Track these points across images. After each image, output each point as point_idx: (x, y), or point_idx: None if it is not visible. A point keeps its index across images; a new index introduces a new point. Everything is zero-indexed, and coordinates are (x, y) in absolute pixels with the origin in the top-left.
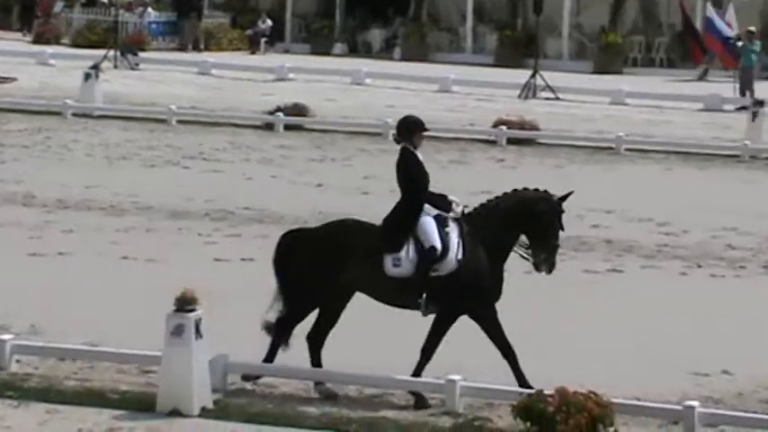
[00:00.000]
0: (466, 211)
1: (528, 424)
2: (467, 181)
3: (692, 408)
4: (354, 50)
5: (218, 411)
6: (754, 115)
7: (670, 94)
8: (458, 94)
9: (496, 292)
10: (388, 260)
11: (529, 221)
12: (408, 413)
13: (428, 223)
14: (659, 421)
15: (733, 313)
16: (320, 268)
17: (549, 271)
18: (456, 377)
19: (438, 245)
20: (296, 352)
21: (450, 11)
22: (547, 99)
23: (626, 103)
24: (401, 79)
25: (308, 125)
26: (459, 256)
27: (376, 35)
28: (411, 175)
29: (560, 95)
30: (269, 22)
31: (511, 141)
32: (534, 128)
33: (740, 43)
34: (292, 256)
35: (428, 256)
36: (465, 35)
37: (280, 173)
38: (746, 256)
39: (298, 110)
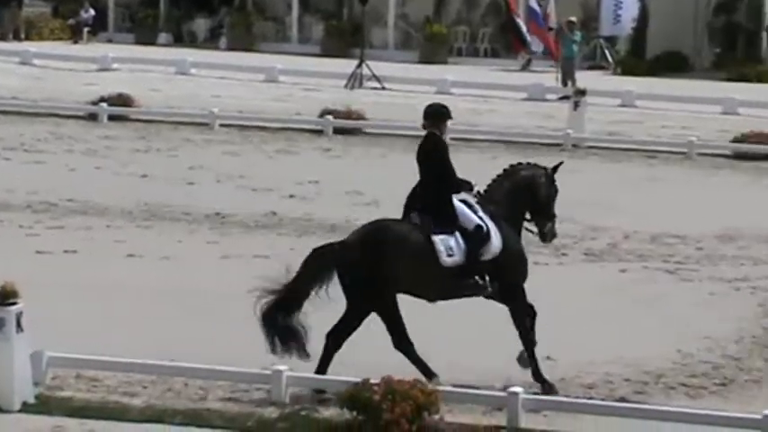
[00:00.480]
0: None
1: (354, 413)
2: (294, 171)
3: (516, 394)
4: (179, 40)
5: (40, 406)
6: (576, 105)
7: (494, 84)
8: (284, 83)
9: None
10: (442, 252)
11: (533, 195)
12: (234, 404)
13: (460, 207)
14: (483, 408)
15: (556, 300)
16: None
17: (552, 240)
18: (282, 367)
19: (482, 224)
20: (121, 345)
21: (275, 0)
22: (373, 89)
23: (451, 92)
24: (227, 69)
25: (133, 115)
26: (499, 238)
27: (201, 24)
28: (447, 162)
29: (386, 85)
30: (92, 12)
31: (337, 131)
32: (361, 117)
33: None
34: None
35: (477, 237)
36: (291, 25)
37: (104, 164)
38: (569, 244)
39: (122, 100)
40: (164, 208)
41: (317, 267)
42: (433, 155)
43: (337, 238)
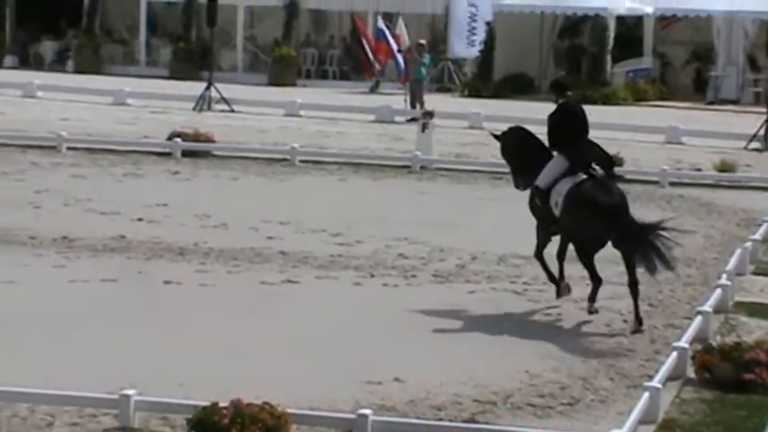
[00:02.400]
0: None
1: None
2: (142, 194)
3: (366, 416)
4: (26, 63)
5: None
6: (424, 126)
7: (343, 106)
8: (132, 106)
9: None
10: None
11: None
12: (81, 429)
13: None
14: (334, 430)
15: (405, 321)
16: None
17: None
18: (130, 392)
19: None
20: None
21: (123, 23)
22: (222, 111)
23: (300, 114)
24: (74, 92)
25: None
26: None
27: (48, 47)
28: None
29: (235, 107)
30: None
31: (186, 154)
32: (209, 140)
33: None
34: None
35: None
36: (139, 47)
37: None
38: (417, 265)
39: None
40: (9, 232)
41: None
42: (573, 120)
43: (186, 262)
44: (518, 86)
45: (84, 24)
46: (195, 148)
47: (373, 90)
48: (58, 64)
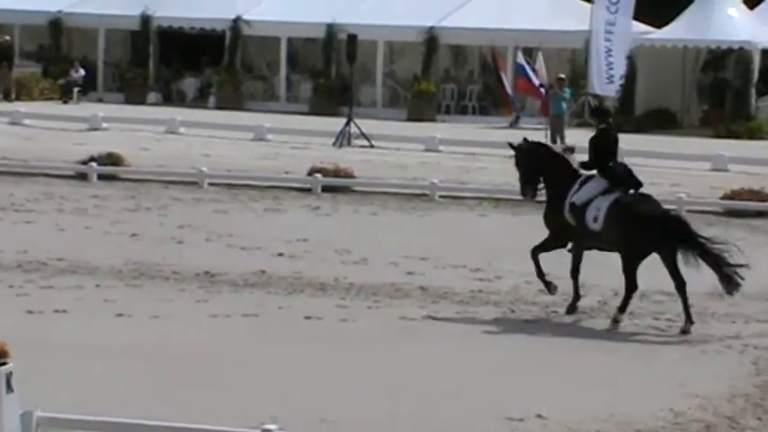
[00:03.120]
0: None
1: None
2: (282, 229)
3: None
4: (169, 99)
5: None
6: None
7: (482, 141)
8: (273, 142)
9: None
10: None
11: None
12: None
13: None
14: None
15: (545, 357)
16: None
17: None
18: (272, 426)
19: None
20: (111, 405)
21: (263, 59)
22: (362, 147)
23: (439, 150)
24: (216, 128)
25: (123, 175)
26: None
27: (190, 84)
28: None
29: (375, 143)
30: (82, 72)
31: (326, 189)
32: (349, 175)
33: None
34: None
35: None
36: (279, 84)
37: (93, 223)
38: (558, 301)
39: (112, 159)
40: (153, 267)
41: None
42: (610, 144)
43: (327, 297)
44: (660, 121)
45: (226, 61)
46: (335, 184)
47: (513, 125)
48: (199, 100)
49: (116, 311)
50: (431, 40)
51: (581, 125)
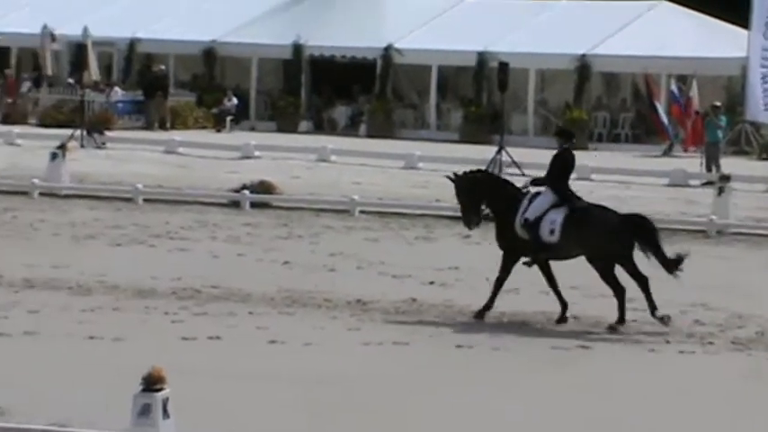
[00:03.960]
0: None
1: None
2: (433, 257)
3: None
4: (320, 128)
5: None
6: (721, 190)
7: (636, 170)
8: (423, 170)
9: None
10: None
11: None
12: None
13: None
14: None
15: (704, 389)
16: None
17: None
18: None
19: None
20: (265, 431)
21: (414, 88)
22: (513, 175)
23: (591, 178)
24: (367, 156)
25: (275, 203)
26: None
27: (341, 112)
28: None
29: (526, 171)
30: (234, 101)
31: None
32: None
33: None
34: None
35: None
36: (429, 112)
37: (246, 250)
38: (714, 332)
39: (264, 187)
40: (305, 294)
41: None
42: (570, 163)
43: (478, 326)
44: None
45: (377, 90)
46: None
47: (667, 153)
48: (350, 129)
49: (269, 338)
50: (583, 67)
51: (737, 153)
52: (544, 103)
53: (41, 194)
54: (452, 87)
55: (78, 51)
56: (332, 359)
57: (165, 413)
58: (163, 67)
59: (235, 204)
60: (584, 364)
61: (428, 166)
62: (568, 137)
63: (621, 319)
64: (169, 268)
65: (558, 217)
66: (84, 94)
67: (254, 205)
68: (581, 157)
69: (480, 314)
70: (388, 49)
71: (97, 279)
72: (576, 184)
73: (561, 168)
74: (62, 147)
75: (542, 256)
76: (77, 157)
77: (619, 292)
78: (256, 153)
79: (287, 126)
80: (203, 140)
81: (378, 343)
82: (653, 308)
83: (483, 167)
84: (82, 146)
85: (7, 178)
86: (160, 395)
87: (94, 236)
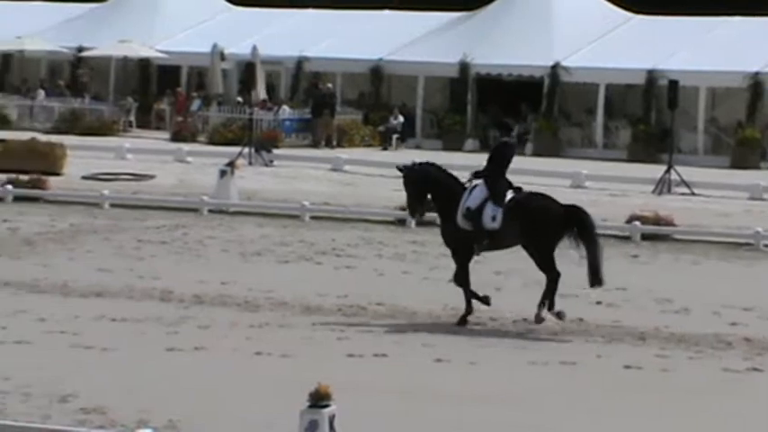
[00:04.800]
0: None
1: None
2: None
3: None
4: (486, 146)
5: None
6: None
7: None
8: (591, 189)
9: None
10: None
11: None
12: None
13: None
14: None
15: None
16: None
17: None
18: None
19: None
20: None
21: (581, 106)
22: (682, 194)
23: (764, 198)
24: (533, 174)
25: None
26: None
27: None
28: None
29: (696, 190)
30: (401, 119)
31: (645, 237)
32: (669, 223)
33: None
34: None
35: None
36: (596, 130)
37: (412, 268)
38: None
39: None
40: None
41: None
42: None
43: (647, 347)
44: None
45: (544, 108)
46: (655, 232)
47: None
48: (517, 147)
49: (434, 356)
50: (756, 85)
51: None
52: (715, 121)
53: (210, 211)
54: (620, 106)
55: (247, 70)
56: (497, 378)
57: (332, 429)
58: (330, 85)
59: (401, 222)
60: (757, 387)
61: (595, 185)
62: (507, 129)
63: (545, 300)
64: (335, 285)
65: (499, 205)
66: (253, 113)
67: (419, 223)
68: (754, 176)
69: (463, 321)
70: (555, 67)
71: (265, 295)
72: (748, 204)
73: (499, 159)
74: (231, 164)
75: (484, 244)
76: (245, 175)
77: (554, 277)
78: None
79: (453, 144)
80: (369, 158)
81: (543, 363)
82: (545, 303)
83: (432, 161)
84: (250, 163)
85: (177, 195)
86: (327, 411)
87: (262, 252)
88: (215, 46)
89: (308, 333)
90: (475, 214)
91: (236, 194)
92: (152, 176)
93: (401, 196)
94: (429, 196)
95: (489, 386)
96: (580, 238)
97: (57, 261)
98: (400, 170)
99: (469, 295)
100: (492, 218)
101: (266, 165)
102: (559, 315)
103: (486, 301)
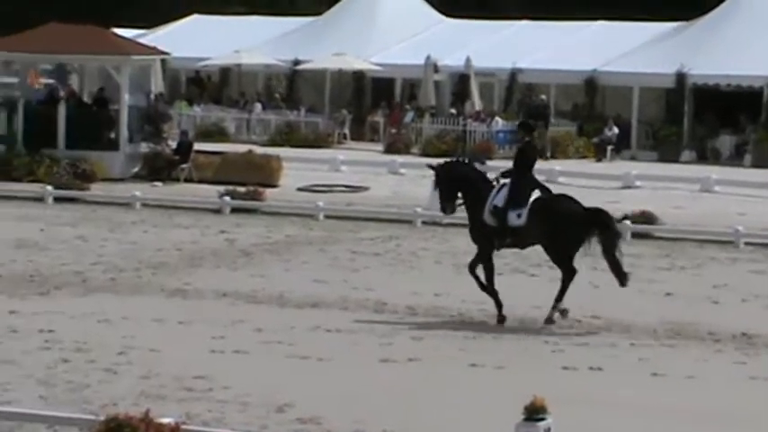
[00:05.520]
0: None
1: None
2: None
3: None
4: (703, 157)
5: None
6: None
7: None
8: None
9: None
10: None
11: None
12: None
13: None
14: None
15: None
16: None
17: None
18: None
19: None
20: None
21: None
22: None
23: None
24: (752, 186)
25: (656, 233)
26: None
27: (725, 141)
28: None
29: None
30: (615, 130)
31: None
32: None
33: None
34: None
35: None
36: None
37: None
38: None
39: (645, 218)
40: (688, 326)
41: None
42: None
43: None
44: None
45: (763, 118)
46: None
47: None
48: (735, 158)
49: (651, 370)
50: None
51: None
52: None
53: (424, 223)
54: None
55: (460, 82)
56: (716, 394)
57: None
58: (544, 96)
59: None
60: None
61: None
62: (529, 130)
63: (559, 299)
64: (550, 298)
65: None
66: (466, 124)
67: (635, 235)
68: None
69: (501, 319)
70: None
71: (478, 307)
72: None
73: (523, 160)
74: None
75: (508, 240)
76: None
77: (569, 275)
78: (637, 183)
79: (668, 155)
80: (583, 170)
81: (765, 378)
82: (558, 299)
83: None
84: None
85: (391, 207)
86: (542, 425)
87: None
88: (428, 58)
89: (521, 345)
90: (500, 212)
91: None
92: (366, 188)
93: (615, 209)
94: (459, 193)
95: (708, 402)
96: (601, 240)
97: (273, 272)
98: (432, 168)
99: (489, 291)
100: (517, 216)
101: None
102: (563, 312)
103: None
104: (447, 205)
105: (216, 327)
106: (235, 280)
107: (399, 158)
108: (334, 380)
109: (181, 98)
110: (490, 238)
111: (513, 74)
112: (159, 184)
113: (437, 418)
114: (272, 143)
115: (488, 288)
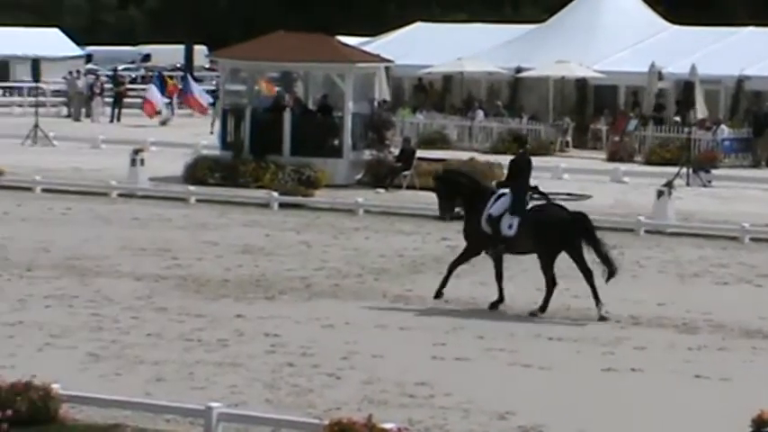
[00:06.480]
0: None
1: None
2: None
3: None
4: None
5: None
6: None
7: None
8: None
9: None
10: None
11: None
12: None
13: None
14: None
15: None
16: None
17: None
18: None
19: None
20: None
21: None
22: None
23: None
24: None
25: None
26: None
27: None
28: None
29: None
30: None
31: None
32: None
33: None
34: None
35: None
36: None
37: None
38: None
39: None
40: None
41: None
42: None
43: None
44: None
45: None
46: None
47: None
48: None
49: None
50: None
51: None
52: None
53: (647, 232)
54: None
55: (685, 89)
56: (753, 397)
57: None
58: None
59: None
60: None
61: None
62: (522, 143)
63: (543, 308)
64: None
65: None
66: (691, 132)
67: None
68: None
69: (494, 305)
70: None
71: (703, 318)
72: None
73: (516, 171)
74: (668, 185)
75: (501, 248)
76: (683, 195)
77: (551, 285)
78: None
79: None
80: None
81: None
82: (596, 299)
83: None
84: (687, 184)
85: (614, 215)
86: None
87: (700, 274)
88: (652, 65)
89: (748, 357)
90: (495, 221)
91: (674, 215)
92: (589, 196)
93: None
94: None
95: (743, 403)
96: (586, 240)
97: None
98: (433, 178)
99: (445, 277)
100: (509, 226)
101: (704, 185)
102: (535, 314)
103: (440, 293)
104: (445, 212)
105: (437, 333)
106: (456, 287)
107: (622, 167)
108: (556, 388)
109: (405, 105)
110: (484, 244)
111: (740, 81)
112: (382, 190)
113: (659, 430)
114: (494, 151)
115: (449, 268)
